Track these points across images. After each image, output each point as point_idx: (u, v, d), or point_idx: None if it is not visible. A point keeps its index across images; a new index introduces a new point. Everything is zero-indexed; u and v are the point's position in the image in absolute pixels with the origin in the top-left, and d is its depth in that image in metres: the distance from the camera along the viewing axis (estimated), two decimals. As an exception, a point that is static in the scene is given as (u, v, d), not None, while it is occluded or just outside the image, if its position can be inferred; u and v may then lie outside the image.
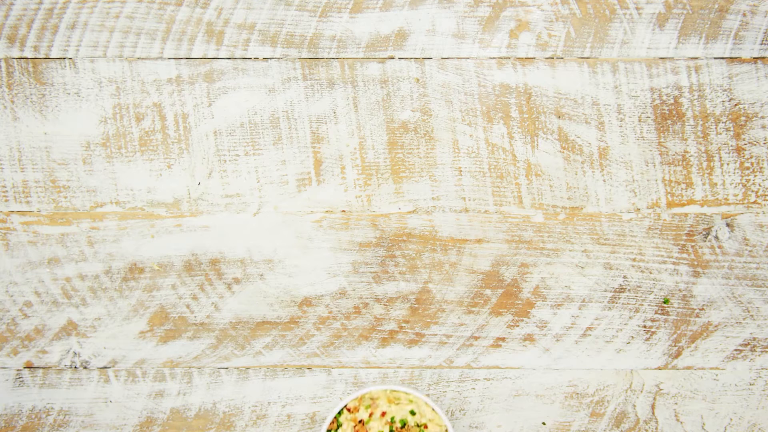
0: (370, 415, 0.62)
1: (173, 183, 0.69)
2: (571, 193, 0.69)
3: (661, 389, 0.69)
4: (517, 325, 0.69)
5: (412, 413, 0.62)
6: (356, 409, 0.63)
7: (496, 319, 0.69)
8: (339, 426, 0.63)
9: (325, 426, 0.63)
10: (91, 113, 0.69)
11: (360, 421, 0.62)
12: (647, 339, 0.69)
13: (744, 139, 0.69)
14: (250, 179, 0.69)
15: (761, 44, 0.69)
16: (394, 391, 0.64)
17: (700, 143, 0.69)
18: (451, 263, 0.69)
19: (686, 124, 0.69)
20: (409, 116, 0.69)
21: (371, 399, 0.63)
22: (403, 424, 0.62)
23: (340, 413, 0.64)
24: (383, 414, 0.62)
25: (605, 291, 0.69)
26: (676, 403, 0.69)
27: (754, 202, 0.69)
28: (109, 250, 0.69)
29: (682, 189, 0.69)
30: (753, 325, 0.69)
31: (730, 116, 0.69)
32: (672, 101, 0.69)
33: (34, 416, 0.69)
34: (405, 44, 0.69)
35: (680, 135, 0.69)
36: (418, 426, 0.62)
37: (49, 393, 0.69)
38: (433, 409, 0.63)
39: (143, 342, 0.69)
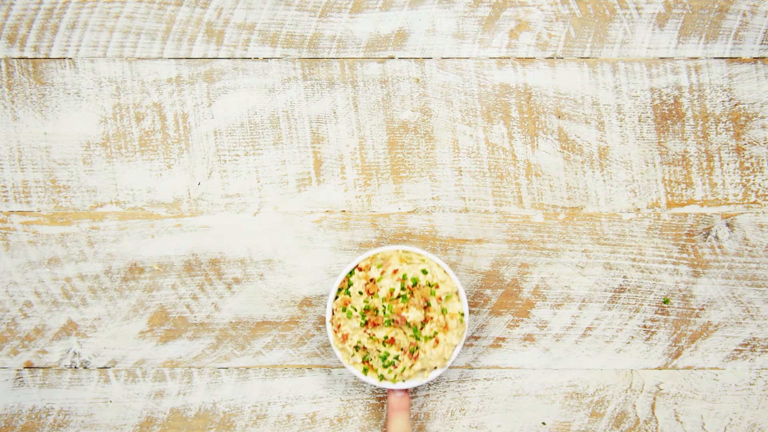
0: (382, 273, 0.61)
1: (173, 183, 0.69)
2: (571, 193, 0.69)
3: (661, 389, 0.69)
4: (517, 325, 0.69)
5: (424, 272, 0.61)
6: (368, 268, 0.62)
7: (496, 319, 0.69)
8: (350, 284, 0.63)
9: (336, 284, 0.63)
10: (91, 113, 0.69)
11: (371, 279, 0.61)
12: (647, 339, 0.69)
13: (744, 139, 0.69)
14: (250, 179, 0.69)
15: (761, 44, 0.69)
16: (407, 251, 0.63)
17: (700, 143, 0.69)
18: (451, 263, 0.69)
19: (686, 124, 0.69)
20: (409, 116, 0.69)
21: (383, 259, 0.63)
22: (415, 283, 0.61)
23: (351, 273, 0.63)
24: (395, 272, 0.61)
25: (605, 291, 0.69)
26: (676, 403, 0.69)
27: (754, 202, 0.69)
28: (109, 250, 0.69)
29: (682, 189, 0.69)
30: (753, 325, 0.69)
31: (730, 116, 0.69)
32: (672, 101, 0.69)
33: (34, 416, 0.69)
34: (405, 44, 0.69)
35: (680, 135, 0.69)
36: (429, 285, 0.61)
37: (49, 393, 0.69)
38: (444, 271, 0.62)
39: (143, 342, 0.69)
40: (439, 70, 0.69)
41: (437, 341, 0.61)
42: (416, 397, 0.69)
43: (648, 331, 0.69)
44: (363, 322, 0.61)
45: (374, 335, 0.61)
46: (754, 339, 0.69)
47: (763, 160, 0.69)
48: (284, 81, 0.69)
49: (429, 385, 0.69)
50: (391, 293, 0.60)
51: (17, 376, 0.69)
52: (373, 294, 0.61)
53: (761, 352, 0.69)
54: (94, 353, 0.69)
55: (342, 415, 0.69)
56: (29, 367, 0.69)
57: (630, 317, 0.69)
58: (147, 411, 0.69)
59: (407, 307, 0.60)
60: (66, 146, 0.69)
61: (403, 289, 0.61)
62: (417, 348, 0.61)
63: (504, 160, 0.69)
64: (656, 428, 0.69)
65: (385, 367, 0.62)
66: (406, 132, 0.69)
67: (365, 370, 0.63)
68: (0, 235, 0.69)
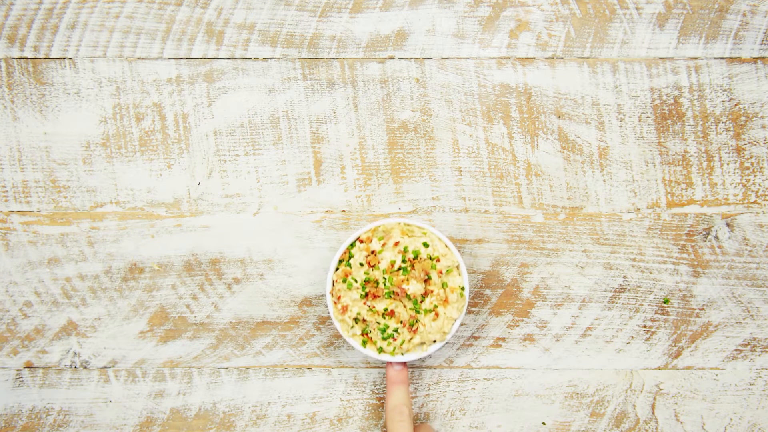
0: (383, 245, 0.61)
1: (173, 183, 0.69)
2: (571, 193, 0.69)
3: (661, 389, 0.69)
4: (517, 325, 0.69)
5: (425, 245, 0.61)
6: (369, 240, 0.62)
7: (496, 319, 0.69)
8: (351, 256, 0.62)
9: (337, 256, 0.63)
10: (91, 113, 0.69)
11: (372, 252, 0.61)
12: (647, 339, 0.69)
13: (744, 139, 0.69)
14: (250, 179, 0.69)
15: (761, 44, 0.69)
16: (408, 224, 0.63)
17: (700, 143, 0.69)
18: (451, 263, 0.69)
19: (686, 124, 0.69)
20: (409, 116, 0.69)
21: (384, 231, 0.63)
22: (416, 255, 0.61)
23: (352, 245, 0.63)
24: (396, 244, 0.61)
25: (605, 291, 0.69)
26: (676, 403, 0.69)
27: (754, 202, 0.69)
28: (109, 250, 0.69)
29: (682, 189, 0.69)
30: (753, 325, 0.69)
31: (730, 116, 0.69)
32: (672, 101, 0.69)
33: (34, 416, 0.69)
34: (405, 44, 0.69)
35: (680, 135, 0.69)
36: (430, 258, 0.61)
37: (49, 393, 0.69)
38: (446, 245, 0.62)
39: (143, 342, 0.69)
40: (439, 70, 0.69)
41: (437, 314, 0.61)
42: (416, 397, 0.69)
43: (648, 331, 0.69)
44: (363, 293, 0.61)
45: (374, 307, 0.61)
46: (754, 339, 0.69)
47: (763, 160, 0.69)
48: (284, 81, 0.69)
49: (429, 385, 0.69)
50: (392, 265, 0.60)
51: (17, 376, 0.69)
52: (373, 266, 0.61)
53: (761, 352, 0.69)
54: (94, 353, 0.69)
55: (342, 415, 0.69)
56: (29, 367, 0.69)
57: (630, 317, 0.69)
58: (147, 411, 0.69)
59: (408, 280, 0.60)
60: (66, 146, 0.69)
61: (404, 261, 0.60)
62: (417, 321, 0.61)
63: (504, 160, 0.69)
64: (656, 428, 0.69)
65: (384, 339, 0.62)
66: (406, 132, 0.69)
67: (364, 342, 0.62)
68: (0, 235, 0.69)
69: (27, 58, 0.69)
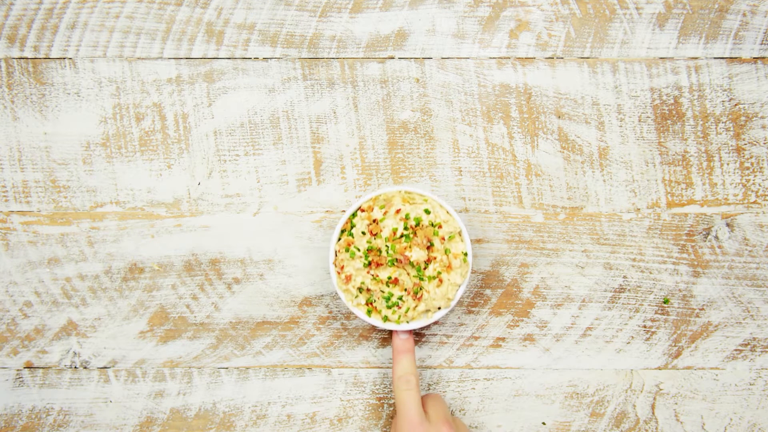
0: (385, 213, 0.61)
1: (173, 183, 0.69)
2: (571, 193, 0.69)
3: (661, 389, 0.69)
4: (517, 325, 0.69)
5: (427, 212, 0.61)
6: (370, 209, 0.62)
7: (496, 319, 0.69)
8: (353, 226, 0.62)
9: (339, 226, 0.62)
10: (91, 113, 0.69)
11: (374, 220, 0.61)
12: (647, 339, 0.69)
13: (744, 139, 0.69)
14: (250, 179, 0.69)
15: (761, 44, 0.69)
16: (409, 192, 0.63)
17: (700, 143, 0.69)
18: (451, 263, 0.69)
19: (686, 124, 0.69)
20: (409, 116, 0.69)
21: (385, 199, 0.62)
22: (418, 222, 0.60)
23: (354, 214, 0.63)
24: (398, 211, 0.61)
25: (605, 291, 0.69)
26: (676, 403, 0.69)
27: (754, 202, 0.69)
28: (109, 250, 0.69)
29: (682, 189, 0.69)
30: (753, 325, 0.69)
31: (730, 116, 0.69)
32: (672, 101, 0.69)
33: (34, 416, 0.69)
34: (405, 44, 0.69)
35: (680, 135, 0.69)
36: (432, 225, 0.61)
37: (49, 393, 0.69)
38: (447, 212, 0.62)
39: (143, 342, 0.69)
40: (439, 70, 0.69)
41: (441, 281, 0.61)
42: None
43: (648, 331, 0.69)
44: (366, 262, 0.61)
45: (377, 276, 0.61)
46: (754, 339, 0.69)
47: (763, 160, 0.69)
48: (284, 81, 0.69)
49: (429, 385, 0.69)
50: (394, 233, 0.60)
51: (17, 376, 0.69)
52: (376, 234, 0.61)
53: (761, 352, 0.69)
54: (94, 353, 0.69)
55: (342, 415, 0.69)
56: (29, 367, 0.69)
57: (630, 317, 0.69)
58: (147, 411, 0.69)
59: (410, 247, 0.60)
60: (66, 146, 0.69)
61: (406, 228, 0.60)
62: (421, 288, 0.61)
63: (504, 160, 0.69)
64: (656, 428, 0.69)
65: (389, 308, 0.61)
66: (406, 132, 0.69)
67: (369, 312, 0.62)
68: (0, 235, 0.69)
69: (27, 58, 0.69)
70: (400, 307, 0.61)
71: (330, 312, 0.69)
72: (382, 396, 0.69)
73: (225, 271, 0.69)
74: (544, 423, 0.69)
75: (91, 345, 0.69)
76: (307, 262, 0.69)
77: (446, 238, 0.61)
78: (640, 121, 0.69)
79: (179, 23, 0.69)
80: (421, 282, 0.60)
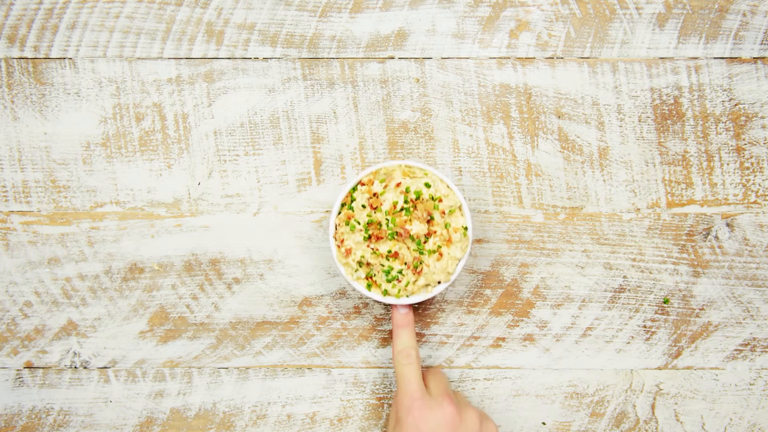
0: (385, 186, 0.61)
1: (173, 183, 0.69)
2: (571, 193, 0.69)
3: (661, 389, 0.69)
4: (517, 325, 0.69)
5: (427, 186, 0.61)
6: (371, 182, 0.62)
7: (496, 319, 0.69)
8: (353, 200, 0.62)
9: (339, 199, 0.62)
10: (91, 113, 0.69)
11: (374, 194, 0.61)
12: (647, 339, 0.69)
13: (744, 139, 0.69)
14: (250, 179, 0.69)
15: (761, 44, 0.69)
16: (409, 166, 0.63)
17: (700, 143, 0.69)
18: (451, 263, 0.69)
19: (686, 124, 0.69)
20: (409, 116, 0.69)
21: (386, 173, 0.62)
22: (418, 196, 0.60)
23: (354, 188, 0.62)
24: (398, 185, 0.61)
25: (605, 291, 0.69)
26: (676, 403, 0.69)
27: (754, 202, 0.69)
28: (109, 250, 0.69)
29: (682, 189, 0.69)
30: (753, 325, 0.69)
31: (730, 116, 0.69)
32: (672, 101, 0.69)
33: (34, 416, 0.69)
34: (405, 44, 0.69)
35: (680, 135, 0.69)
36: (432, 199, 0.61)
37: (49, 393, 0.69)
38: (448, 186, 0.62)
39: (143, 342, 0.69)
40: (439, 70, 0.69)
41: (441, 255, 0.61)
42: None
43: (648, 331, 0.69)
44: (366, 236, 0.60)
45: (377, 249, 0.61)
46: (754, 339, 0.69)
47: (763, 160, 0.69)
48: (284, 81, 0.69)
49: (429, 385, 0.69)
50: (395, 206, 0.60)
51: (17, 376, 0.69)
52: (376, 208, 0.61)
53: (761, 352, 0.69)
54: (94, 353, 0.69)
55: (342, 415, 0.69)
56: (29, 367, 0.69)
57: (630, 317, 0.69)
58: (147, 411, 0.69)
59: (410, 220, 0.60)
60: (66, 146, 0.69)
61: (406, 202, 0.60)
62: (421, 262, 0.61)
63: (504, 160, 0.69)
64: (656, 428, 0.69)
65: (388, 281, 0.61)
66: (406, 132, 0.69)
67: (369, 286, 0.62)
68: (0, 235, 0.69)
69: (27, 58, 0.69)
70: (399, 281, 0.61)
71: (330, 312, 0.69)
72: (382, 396, 0.69)
73: (225, 271, 0.69)
74: (544, 423, 0.69)
75: (91, 345, 0.69)
76: (307, 262, 0.69)
77: (446, 212, 0.61)
78: (640, 121, 0.69)
79: (179, 23, 0.69)
80: (421, 256, 0.60)
